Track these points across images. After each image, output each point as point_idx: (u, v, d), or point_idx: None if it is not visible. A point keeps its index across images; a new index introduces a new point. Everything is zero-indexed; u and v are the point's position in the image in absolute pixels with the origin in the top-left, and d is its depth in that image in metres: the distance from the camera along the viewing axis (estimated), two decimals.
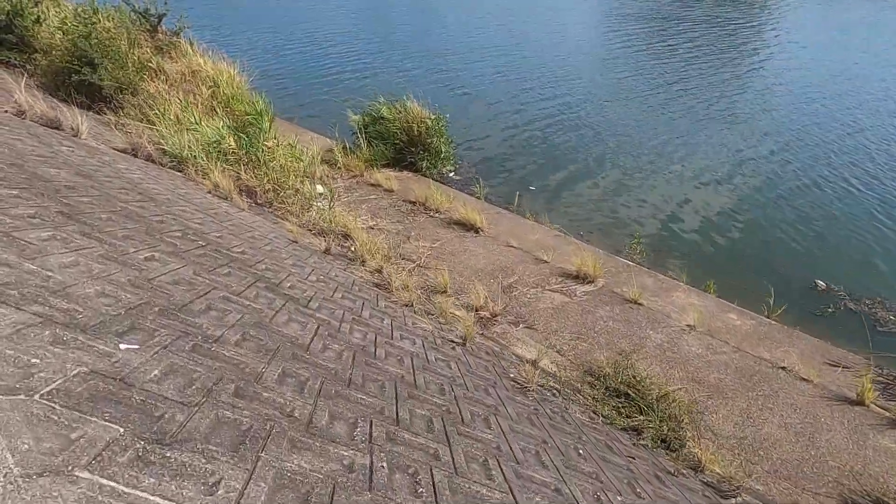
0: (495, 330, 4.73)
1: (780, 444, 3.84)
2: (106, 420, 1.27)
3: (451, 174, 9.02)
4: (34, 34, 7.76)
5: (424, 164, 8.45)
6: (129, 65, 7.77)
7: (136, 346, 1.68)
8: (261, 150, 6.60)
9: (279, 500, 1.30)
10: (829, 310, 6.03)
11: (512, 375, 3.61)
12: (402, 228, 6.54)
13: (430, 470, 1.77)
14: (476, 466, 1.97)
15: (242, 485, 1.28)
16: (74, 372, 1.39)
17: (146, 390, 1.47)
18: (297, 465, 1.46)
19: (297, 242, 4.84)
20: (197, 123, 6.76)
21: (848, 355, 4.90)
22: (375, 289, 4.49)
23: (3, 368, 1.29)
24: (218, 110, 8.21)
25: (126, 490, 1.10)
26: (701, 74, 16.92)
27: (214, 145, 6.41)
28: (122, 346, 1.64)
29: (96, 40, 7.26)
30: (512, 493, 1.89)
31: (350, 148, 8.58)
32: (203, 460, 1.29)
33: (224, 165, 6.16)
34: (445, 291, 5.17)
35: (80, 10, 7.86)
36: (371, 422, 1.92)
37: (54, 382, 1.32)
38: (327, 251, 5.00)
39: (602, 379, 4.10)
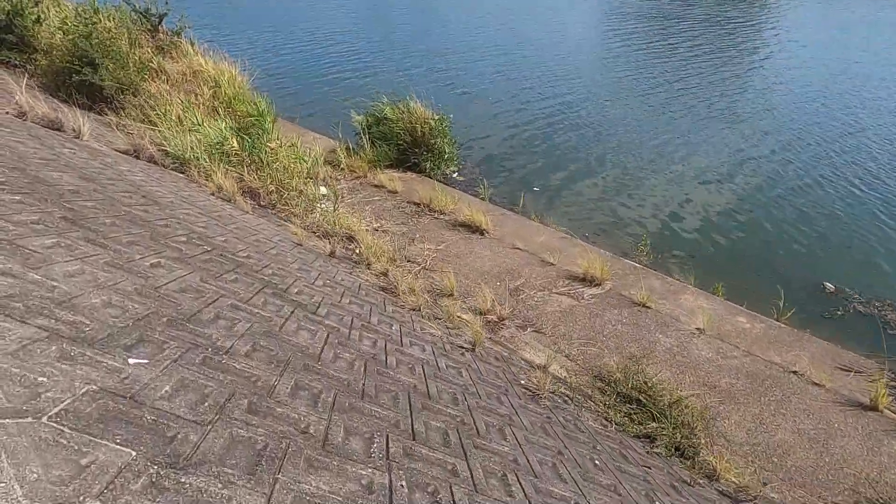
0: (503, 334, 4.67)
1: (794, 450, 3.78)
2: (117, 443, 1.21)
3: (455, 175, 8.96)
4: (34, 34, 7.69)
5: (428, 165, 8.39)
6: (130, 65, 7.70)
7: (146, 361, 1.62)
8: (264, 151, 6.53)
9: None
10: (839, 312, 5.97)
11: (523, 382, 3.55)
12: (406, 230, 6.48)
13: (450, 487, 1.71)
14: (495, 482, 1.91)
15: None
16: (83, 390, 1.33)
17: (157, 408, 1.41)
18: (316, 486, 1.40)
19: (301, 245, 4.78)
20: (199, 124, 6.70)
21: (860, 359, 4.84)
22: (382, 292, 4.43)
23: (9, 388, 1.23)
24: (220, 111, 8.15)
25: None
26: (701, 73, 16.86)
27: (217, 147, 6.34)
28: (132, 361, 1.58)
29: (97, 40, 7.19)
30: None
31: (353, 149, 8.52)
32: (219, 485, 1.23)
33: (227, 167, 6.09)
34: (452, 295, 5.11)
35: (80, 9, 7.79)
36: (387, 436, 1.86)
37: (62, 403, 1.25)
38: (332, 254, 4.94)
39: (613, 384, 4.04)
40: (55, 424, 1.18)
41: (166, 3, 9.78)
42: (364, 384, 2.24)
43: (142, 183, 4.34)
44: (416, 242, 6.19)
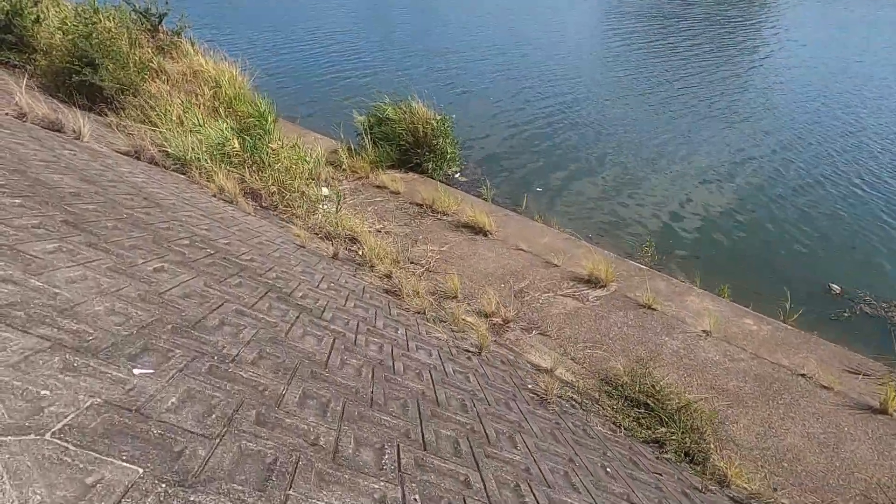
0: (508, 337, 4.62)
1: (804, 455, 3.74)
2: (124, 460, 1.16)
3: (457, 175, 8.91)
4: (34, 34, 7.64)
5: (430, 166, 8.33)
6: (131, 65, 7.64)
7: (151, 371, 1.57)
8: (265, 152, 6.48)
9: None
10: (846, 314, 5.93)
11: (530, 386, 3.51)
12: (409, 231, 6.43)
13: (464, 500, 1.67)
14: (508, 493, 1.86)
15: None
16: (87, 404, 1.29)
17: (164, 422, 1.36)
18: (328, 502, 1.36)
19: (304, 247, 4.73)
20: (200, 125, 6.65)
21: (868, 362, 4.80)
22: (386, 295, 4.38)
23: (11, 403, 1.18)
24: (220, 111, 8.10)
25: None
26: (701, 72, 16.81)
27: (218, 147, 6.29)
28: (136, 372, 1.53)
29: (97, 40, 7.14)
30: None
31: (355, 149, 8.46)
32: (229, 503, 1.18)
33: (228, 168, 6.04)
34: (456, 297, 5.07)
35: (80, 9, 7.73)
36: (398, 447, 1.81)
37: (66, 417, 1.21)
38: (335, 256, 4.90)
39: (620, 388, 3.99)
40: (59, 441, 1.13)
41: (166, 2, 9.73)
42: (372, 392, 2.19)
43: (143, 185, 4.29)
44: (419, 244, 6.15)
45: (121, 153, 5.29)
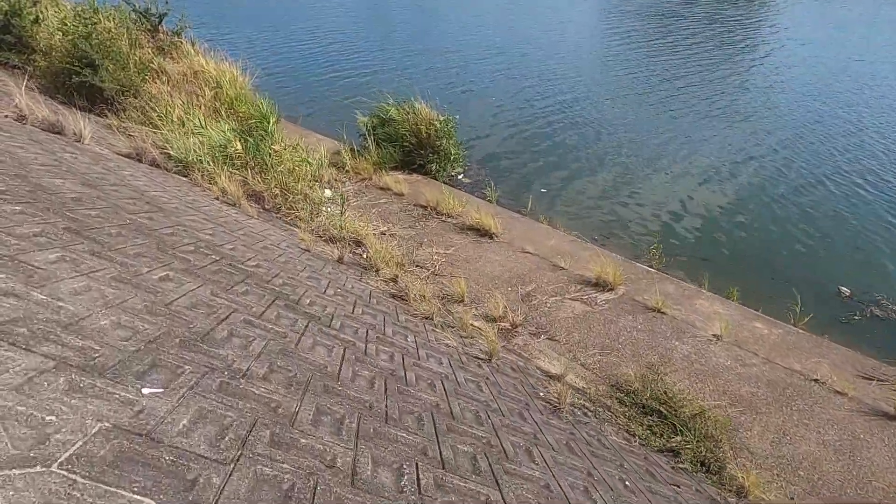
0: (516, 342, 4.55)
1: (820, 463, 3.67)
2: (135, 492, 1.09)
3: (461, 176, 8.84)
4: (33, 34, 7.55)
5: (434, 167, 8.25)
6: (131, 66, 7.56)
7: (160, 390, 1.50)
8: (268, 153, 6.40)
9: None
10: (856, 317, 5.86)
11: (542, 395, 3.43)
12: (414, 234, 6.35)
13: None
14: None
15: None
16: (95, 429, 1.21)
17: (176, 447, 1.29)
18: None
19: (309, 251, 4.66)
20: (202, 127, 6.57)
21: (881, 366, 4.73)
22: (393, 300, 4.31)
23: (15, 431, 1.11)
24: (221, 112, 8.01)
25: None
26: (701, 72, 16.73)
27: (220, 149, 6.21)
28: (145, 391, 1.46)
29: (97, 41, 7.05)
30: None
31: (357, 150, 8.38)
32: None
33: (230, 170, 5.96)
34: (463, 301, 5.00)
35: (80, 9, 7.65)
36: (417, 465, 1.74)
37: (73, 446, 1.13)
38: (341, 260, 4.82)
39: (632, 395, 3.92)
40: (66, 473, 1.06)
41: (166, 2, 9.64)
42: (387, 406, 2.12)
43: (145, 188, 4.21)
44: (424, 247, 6.07)
45: (122, 155, 5.21)
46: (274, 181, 6.16)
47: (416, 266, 5.59)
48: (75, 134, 4.73)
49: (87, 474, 1.08)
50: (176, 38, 9.71)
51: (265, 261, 3.63)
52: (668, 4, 30.43)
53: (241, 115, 7.90)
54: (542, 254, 6.15)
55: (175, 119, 6.81)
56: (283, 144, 6.93)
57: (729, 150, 10.80)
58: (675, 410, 3.71)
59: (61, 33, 7.20)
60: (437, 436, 2.05)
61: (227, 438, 1.41)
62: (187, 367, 1.69)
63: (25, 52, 7.46)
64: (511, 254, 6.11)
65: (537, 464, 2.24)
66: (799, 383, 4.41)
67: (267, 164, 6.36)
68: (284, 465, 1.42)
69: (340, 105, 12.15)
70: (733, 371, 4.49)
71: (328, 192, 6.91)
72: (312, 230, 5.53)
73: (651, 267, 6.23)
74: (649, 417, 3.70)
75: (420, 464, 1.76)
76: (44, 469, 1.04)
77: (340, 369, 2.29)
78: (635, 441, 3.36)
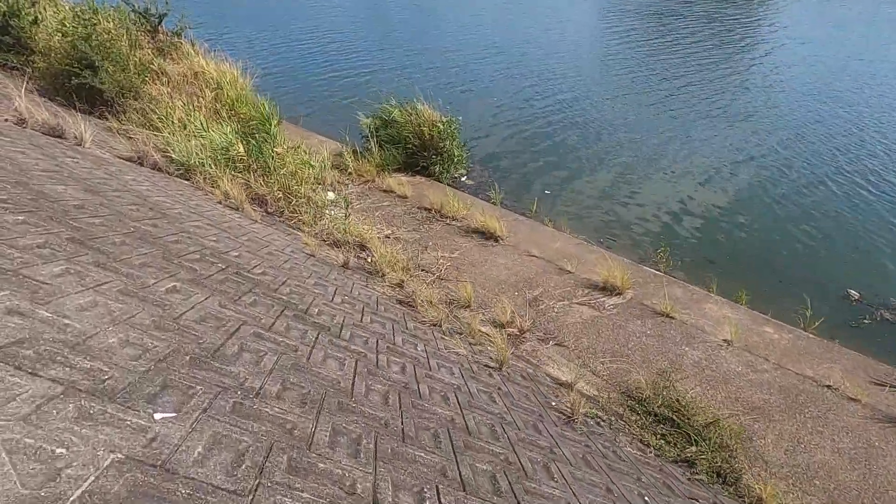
0: (525, 348, 4.49)
1: (836, 472, 3.61)
2: None
3: (464, 178, 8.77)
4: (31, 36, 7.46)
5: (437, 169, 8.18)
6: (131, 67, 7.48)
7: (173, 414, 1.43)
8: (271, 156, 6.32)
9: None
10: (866, 321, 5.80)
11: (554, 404, 3.37)
12: (418, 237, 6.29)
13: None
14: None
15: None
16: (107, 462, 1.15)
17: (192, 478, 1.22)
18: None
19: (314, 256, 4.59)
20: (204, 129, 6.49)
21: (893, 372, 4.67)
22: (400, 306, 4.25)
23: (24, 466, 1.04)
24: (222, 113, 7.93)
25: None
26: (701, 71, 16.67)
27: (222, 152, 6.14)
28: (157, 416, 1.39)
29: (97, 42, 6.97)
30: None
31: (360, 152, 8.30)
32: None
33: (233, 173, 5.89)
34: (469, 306, 4.93)
35: (79, 10, 7.56)
36: (437, 489, 1.68)
37: (86, 482, 1.07)
38: (346, 265, 4.75)
39: (644, 403, 3.86)
40: None
41: (166, 2, 9.55)
42: (402, 423, 2.06)
43: (148, 193, 4.14)
44: (429, 250, 6.00)
45: (123, 159, 5.13)
46: (277, 184, 6.09)
47: (422, 270, 5.52)
48: (76, 137, 4.65)
49: None
50: (176, 39, 9.63)
51: (271, 268, 3.57)
52: (668, 4, 30.36)
53: (242, 116, 7.81)
54: (548, 257, 6.09)
55: (176, 121, 6.72)
56: (285, 146, 6.86)
57: (730, 150, 10.74)
58: (689, 419, 3.65)
59: (60, 34, 7.11)
60: (454, 454, 1.99)
61: (243, 466, 1.35)
62: (199, 387, 1.62)
63: (24, 53, 7.37)
64: (517, 257, 6.04)
65: (556, 481, 2.17)
66: (811, 389, 4.35)
67: (269, 167, 6.29)
68: (304, 494, 1.36)
69: (340, 105, 12.07)
70: (745, 377, 4.43)
71: (331, 195, 6.84)
72: (316, 234, 5.46)
73: (658, 270, 6.17)
74: (662, 426, 3.64)
75: (440, 486, 1.70)
76: None
77: (353, 384, 2.22)
78: (650, 452, 3.29)
